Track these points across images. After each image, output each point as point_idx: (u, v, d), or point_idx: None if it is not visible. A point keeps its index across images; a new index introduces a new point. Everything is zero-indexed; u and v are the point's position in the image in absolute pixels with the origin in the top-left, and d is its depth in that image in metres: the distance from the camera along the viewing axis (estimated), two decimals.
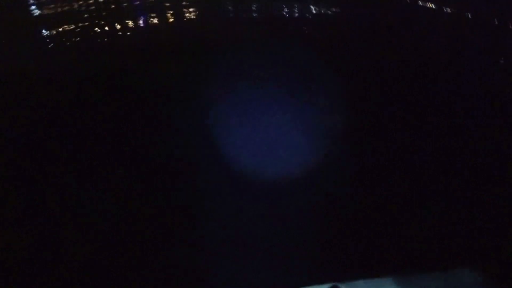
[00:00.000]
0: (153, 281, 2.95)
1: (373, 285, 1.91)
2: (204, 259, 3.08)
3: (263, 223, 3.37)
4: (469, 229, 3.27)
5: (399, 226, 3.34)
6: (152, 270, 3.08)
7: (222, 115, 5.86)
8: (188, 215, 3.72)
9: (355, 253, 2.90)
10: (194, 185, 4.26)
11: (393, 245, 3.08)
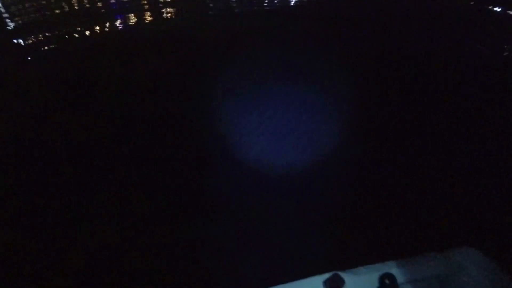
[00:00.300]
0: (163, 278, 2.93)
1: (374, 270, 1.91)
2: (216, 252, 3.09)
3: (268, 218, 3.39)
4: (463, 212, 3.33)
5: (395, 213, 3.38)
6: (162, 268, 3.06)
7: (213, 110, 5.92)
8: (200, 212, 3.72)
9: (354, 243, 2.93)
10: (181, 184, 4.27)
11: (390, 231, 3.12)
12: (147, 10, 15.92)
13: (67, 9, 18.17)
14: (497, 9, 12.85)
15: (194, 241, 3.30)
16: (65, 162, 4.83)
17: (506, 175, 3.83)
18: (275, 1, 15.38)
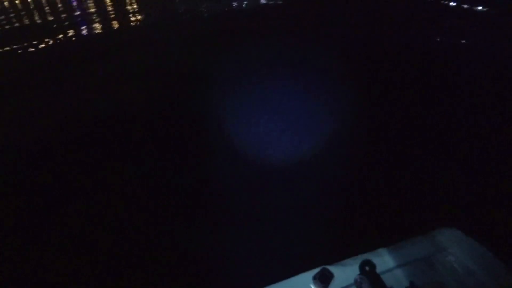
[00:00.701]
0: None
1: (361, 260, 1.92)
2: (201, 253, 3.04)
3: (256, 218, 3.37)
4: (442, 194, 3.46)
5: (378, 201, 3.46)
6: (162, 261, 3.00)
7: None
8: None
9: (340, 236, 2.97)
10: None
11: (374, 220, 3.19)
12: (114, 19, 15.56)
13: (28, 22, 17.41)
14: (452, 3, 13.67)
15: (175, 241, 3.24)
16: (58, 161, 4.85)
17: (482, 156, 4.01)
18: (244, 4, 15.46)
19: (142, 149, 4.91)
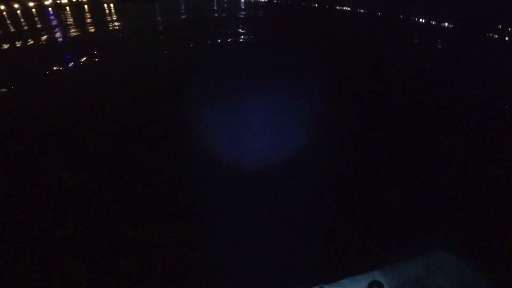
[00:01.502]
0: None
1: (357, 281, 2.05)
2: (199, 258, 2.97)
3: (249, 235, 3.31)
4: (435, 220, 3.57)
5: (373, 224, 3.51)
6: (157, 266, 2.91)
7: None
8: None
9: (337, 255, 3.03)
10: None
11: (369, 242, 3.24)
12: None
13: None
14: (421, 20, 14.55)
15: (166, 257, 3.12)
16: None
17: (471, 184, 4.11)
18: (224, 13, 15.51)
19: (137, 153, 4.99)
